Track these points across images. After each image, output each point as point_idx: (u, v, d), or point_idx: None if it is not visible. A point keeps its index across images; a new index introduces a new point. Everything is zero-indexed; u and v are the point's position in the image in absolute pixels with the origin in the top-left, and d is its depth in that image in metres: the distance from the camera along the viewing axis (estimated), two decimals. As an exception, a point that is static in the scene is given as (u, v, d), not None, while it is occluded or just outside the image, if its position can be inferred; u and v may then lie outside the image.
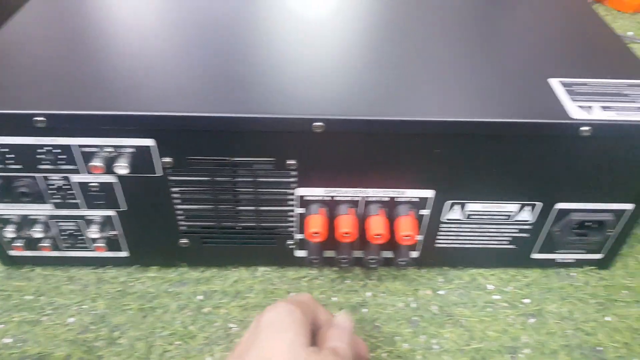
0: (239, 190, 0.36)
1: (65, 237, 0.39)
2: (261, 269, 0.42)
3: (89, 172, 0.35)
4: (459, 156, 0.35)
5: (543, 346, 0.38)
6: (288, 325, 0.28)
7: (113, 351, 0.36)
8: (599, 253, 0.41)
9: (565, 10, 0.47)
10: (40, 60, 0.36)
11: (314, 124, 0.32)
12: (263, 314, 0.29)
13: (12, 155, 0.34)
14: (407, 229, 0.36)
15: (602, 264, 0.42)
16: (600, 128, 0.33)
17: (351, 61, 0.38)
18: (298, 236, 0.40)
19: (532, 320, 0.39)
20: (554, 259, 0.42)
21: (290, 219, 0.38)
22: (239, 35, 0.41)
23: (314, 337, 0.32)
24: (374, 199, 0.37)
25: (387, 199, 0.37)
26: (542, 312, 0.40)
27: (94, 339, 0.37)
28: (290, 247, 0.40)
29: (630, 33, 0.80)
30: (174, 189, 0.36)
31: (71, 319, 0.38)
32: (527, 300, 0.41)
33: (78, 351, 0.36)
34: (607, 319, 0.40)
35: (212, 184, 0.36)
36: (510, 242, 0.40)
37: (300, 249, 0.41)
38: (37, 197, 0.36)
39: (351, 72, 0.37)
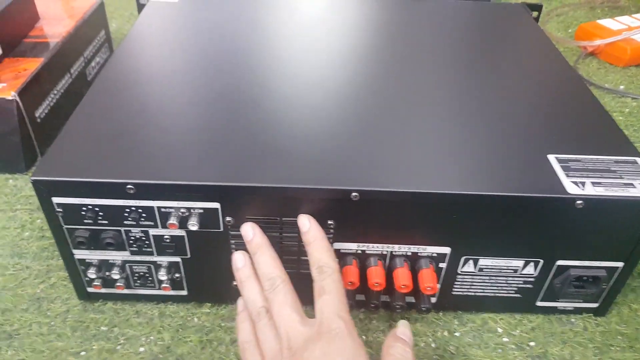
0: (284, 244, 0.43)
1: (137, 277, 0.47)
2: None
3: (165, 227, 0.42)
4: (472, 221, 0.41)
5: (548, 384, 0.44)
6: None
7: (180, 378, 0.43)
8: (595, 302, 0.47)
9: (556, 83, 0.54)
10: (120, 134, 0.44)
11: (352, 194, 0.40)
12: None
13: (102, 214, 0.42)
14: (429, 281, 0.43)
15: (598, 312, 0.48)
16: (591, 202, 0.39)
17: (374, 135, 0.45)
18: (333, 282, 0.46)
19: (537, 361, 0.45)
20: (556, 307, 0.47)
21: (327, 267, 0.45)
22: (270, 110, 0.48)
23: None
24: (399, 253, 0.44)
25: (410, 253, 0.44)
26: (547, 354, 0.46)
27: (163, 366, 0.44)
28: (326, 291, 0.47)
29: (621, 87, 0.84)
30: (232, 241, 0.43)
31: (142, 349, 0.45)
32: (532, 343, 0.46)
33: (151, 377, 0.43)
34: (604, 362, 0.45)
35: (264, 238, 0.43)
36: (517, 292, 0.46)
37: (335, 292, 0.47)
38: (119, 246, 0.44)
39: (375, 144, 0.44)
